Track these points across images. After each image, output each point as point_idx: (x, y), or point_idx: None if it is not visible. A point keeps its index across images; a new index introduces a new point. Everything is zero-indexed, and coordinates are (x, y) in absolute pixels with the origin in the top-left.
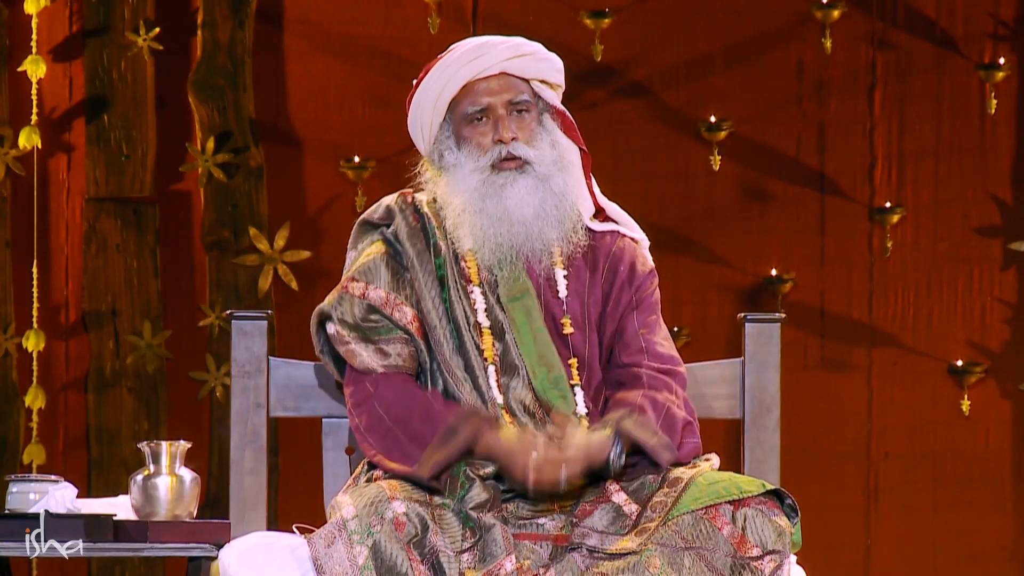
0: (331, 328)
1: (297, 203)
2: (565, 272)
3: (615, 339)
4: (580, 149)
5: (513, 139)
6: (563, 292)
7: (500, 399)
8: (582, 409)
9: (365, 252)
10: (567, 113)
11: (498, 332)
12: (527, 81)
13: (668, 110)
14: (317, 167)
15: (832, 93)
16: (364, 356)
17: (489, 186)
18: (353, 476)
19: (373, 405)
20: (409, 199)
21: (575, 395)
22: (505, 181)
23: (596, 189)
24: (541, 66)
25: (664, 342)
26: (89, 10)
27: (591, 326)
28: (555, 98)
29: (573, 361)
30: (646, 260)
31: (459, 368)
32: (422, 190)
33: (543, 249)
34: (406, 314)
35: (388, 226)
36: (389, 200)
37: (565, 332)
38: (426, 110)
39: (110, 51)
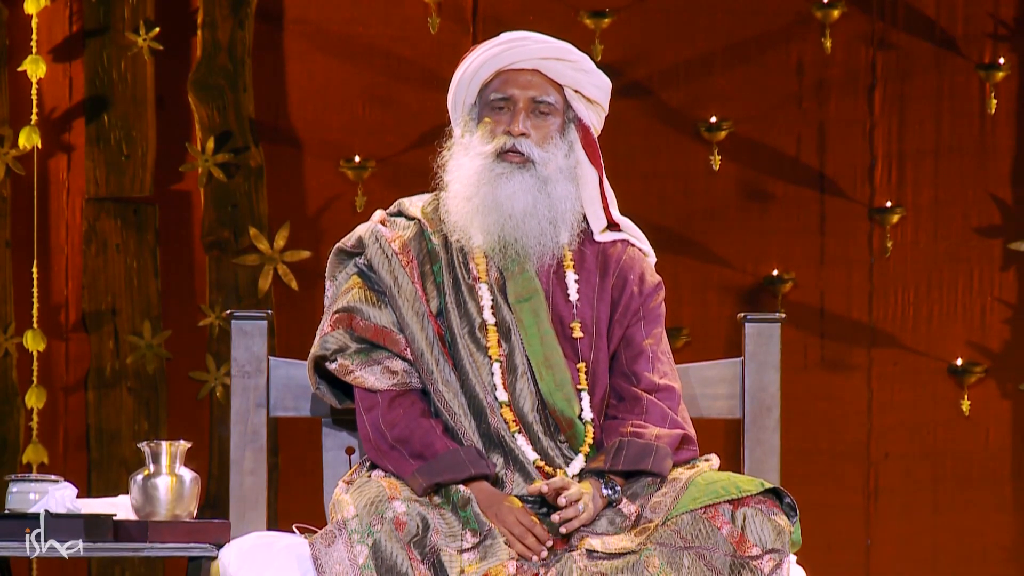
0: (332, 366)
1: (297, 203)
2: (576, 276)
3: (622, 345)
4: (596, 167)
5: (522, 135)
6: (574, 296)
7: (505, 398)
8: (587, 415)
9: (344, 287)
10: (591, 130)
11: (505, 332)
12: (561, 87)
13: (668, 110)
14: (317, 167)
15: (832, 93)
16: (371, 380)
17: (487, 172)
18: (354, 469)
19: (378, 419)
20: (387, 224)
21: (580, 400)
22: (503, 171)
23: (613, 207)
24: (578, 76)
25: (663, 356)
26: (89, 10)
27: (599, 331)
28: (586, 112)
29: (581, 366)
30: (654, 273)
31: (453, 395)
32: (421, 193)
33: (549, 249)
34: (399, 342)
35: (360, 255)
36: (362, 230)
37: (574, 336)
38: (462, 87)
39: (110, 51)
